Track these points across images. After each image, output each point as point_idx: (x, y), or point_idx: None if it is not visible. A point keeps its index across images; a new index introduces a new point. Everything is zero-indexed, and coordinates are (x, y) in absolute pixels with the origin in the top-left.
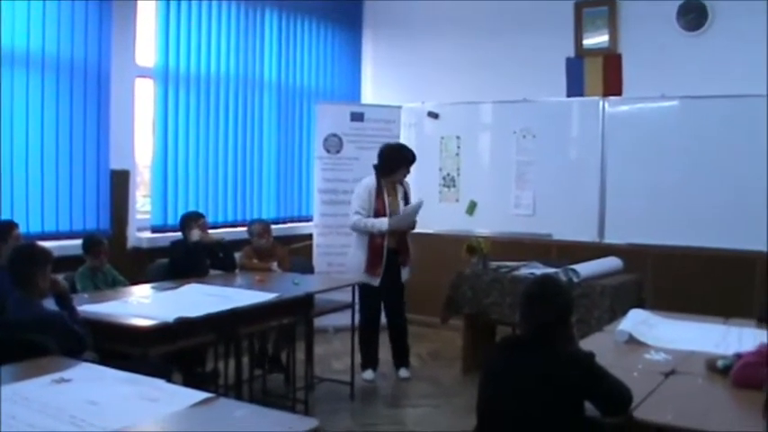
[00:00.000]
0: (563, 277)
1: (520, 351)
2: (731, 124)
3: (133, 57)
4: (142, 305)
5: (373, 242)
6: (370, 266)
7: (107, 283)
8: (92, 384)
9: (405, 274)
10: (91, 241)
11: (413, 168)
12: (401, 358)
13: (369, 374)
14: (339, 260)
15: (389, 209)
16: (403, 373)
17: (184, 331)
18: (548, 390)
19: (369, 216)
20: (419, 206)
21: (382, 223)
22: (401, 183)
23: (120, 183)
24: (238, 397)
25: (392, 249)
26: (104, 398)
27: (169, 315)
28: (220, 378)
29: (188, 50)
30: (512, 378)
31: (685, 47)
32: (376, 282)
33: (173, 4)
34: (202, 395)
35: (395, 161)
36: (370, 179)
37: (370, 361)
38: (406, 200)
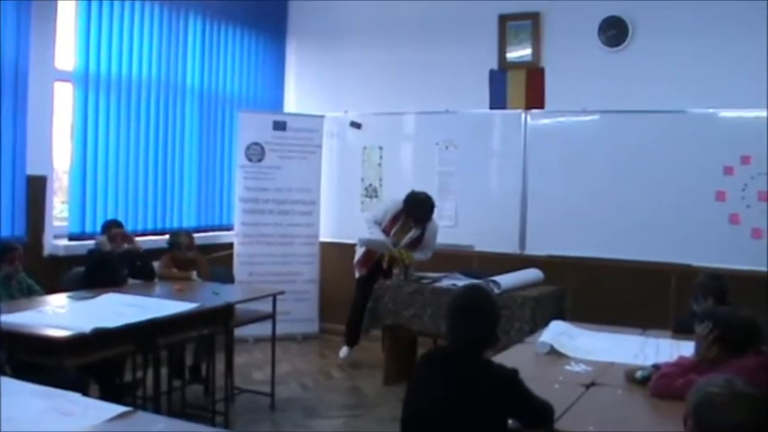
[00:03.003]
0: None
1: (446, 363)
2: (651, 138)
3: (52, 59)
4: (58, 315)
5: (369, 250)
6: (359, 263)
7: (22, 292)
8: (3, 398)
9: None
10: (5, 247)
11: (337, 178)
12: None
13: (343, 351)
14: (260, 269)
15: (393, 236)
16: None
17: (102, 342)
18: (472, 404)
19: (378, 226)
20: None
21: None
22: (416, 225)
23: (36, 188)
24: (157, 409)
25: (383, 268)
26: (16, 412)
27: (86, 325)
28: (139, 390)
29: (109, 54)
30: (437, 390)
31: (607, 62)
32: (356, 275)
33: (94, 7)
34: (119, 409)
35: (405, 206)
36: (400, 205)
37: (347, 339)
38: (419, 240)
